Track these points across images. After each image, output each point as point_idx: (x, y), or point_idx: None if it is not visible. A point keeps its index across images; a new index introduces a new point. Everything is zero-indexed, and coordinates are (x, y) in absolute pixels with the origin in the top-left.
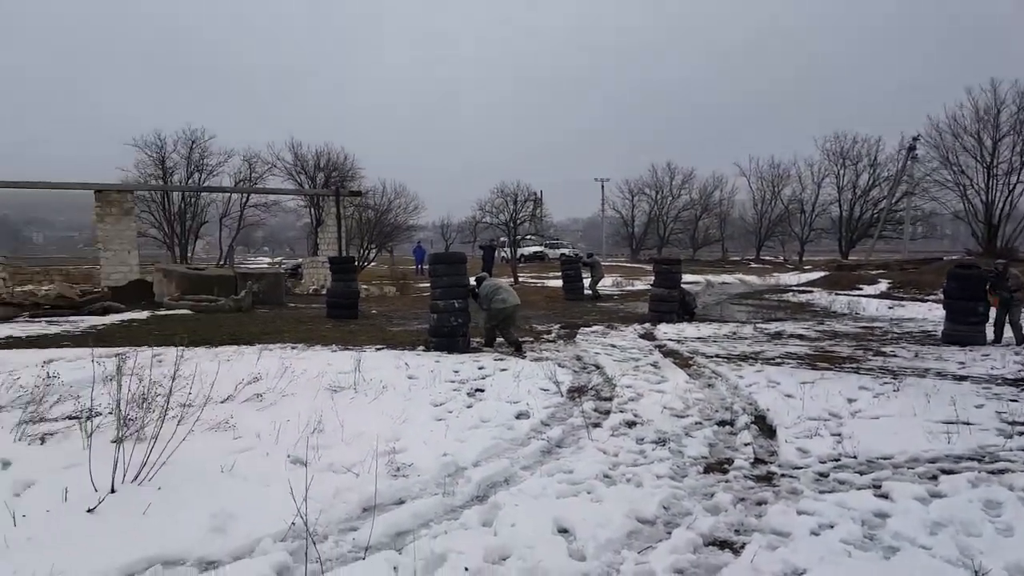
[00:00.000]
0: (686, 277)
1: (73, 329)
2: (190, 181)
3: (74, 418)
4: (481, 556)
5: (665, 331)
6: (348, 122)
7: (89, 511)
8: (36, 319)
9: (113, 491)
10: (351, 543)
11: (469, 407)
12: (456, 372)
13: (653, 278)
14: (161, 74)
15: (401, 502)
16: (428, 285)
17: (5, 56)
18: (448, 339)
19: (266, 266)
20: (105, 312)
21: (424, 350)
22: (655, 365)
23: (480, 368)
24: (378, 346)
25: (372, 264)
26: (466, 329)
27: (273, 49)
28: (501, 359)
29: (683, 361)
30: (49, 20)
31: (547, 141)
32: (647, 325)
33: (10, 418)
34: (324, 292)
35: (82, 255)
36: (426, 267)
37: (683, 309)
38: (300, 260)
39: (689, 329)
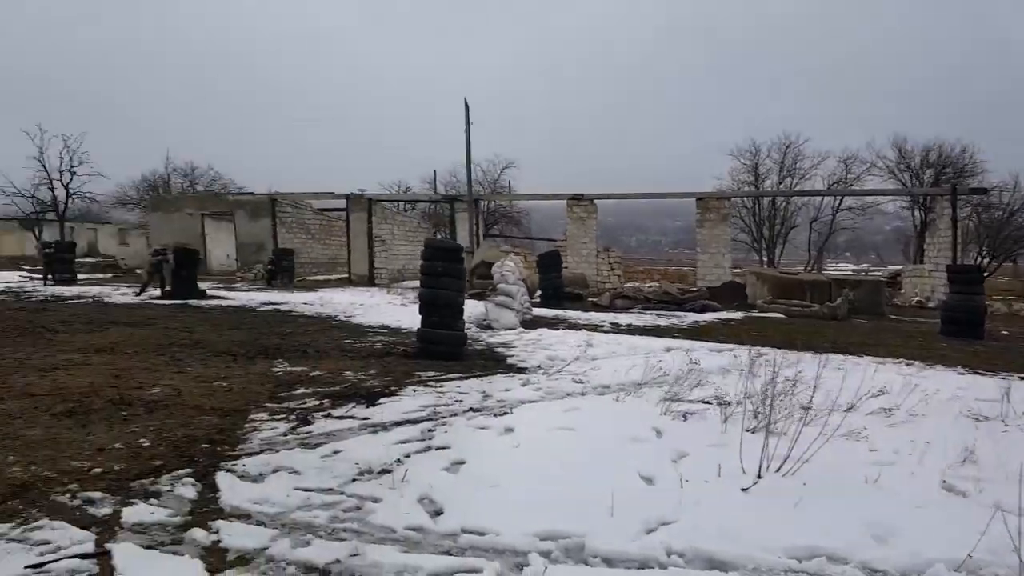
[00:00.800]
0: None
1: (679, 322)
2: (781, 186)
3: (706, 402)
4: None
5: None
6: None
7: (743, 490)
8: (647, 311)
9: (760, 477)
10: None
11: None
12: None
13: None
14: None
15: None
16: None
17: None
18: None
19: (850, 272)
20: (703, 310)
21: None
22: None
23: None
24: (1022, 375)
25: (989, 275)
26: None
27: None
28: None
29: None
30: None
31: None
32: None
33: (652, 394)
34: (933, 305)
35: (668, 257)
36: None
37: None
38: (900, 268)
39: None
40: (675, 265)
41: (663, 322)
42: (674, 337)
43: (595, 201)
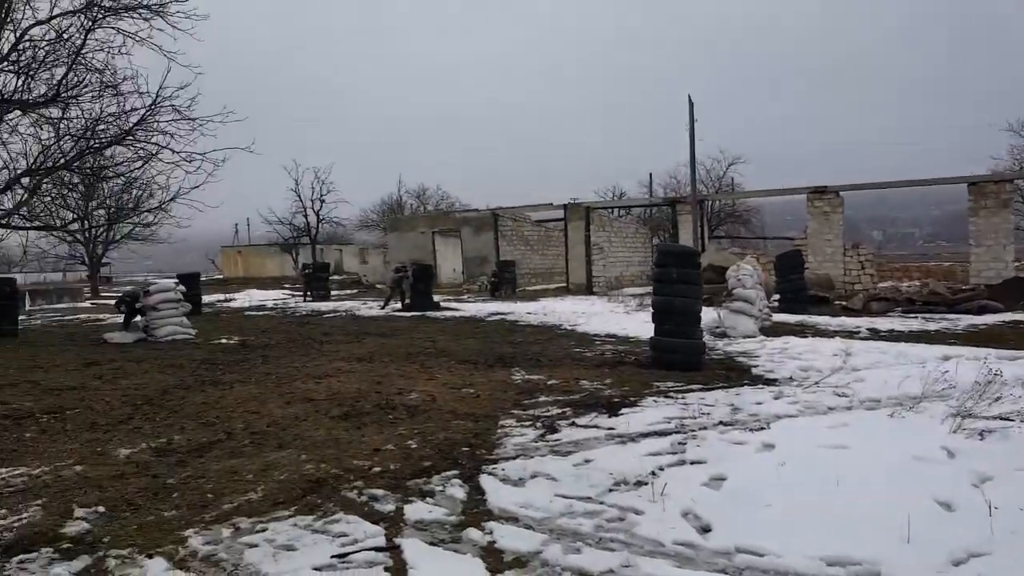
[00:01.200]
0: None
1: (952, 327)
2: None
3: (1006, 419)
4: None
5: None
6: None
7: None
8: (909, 315)
9: None
10: None
11: None
12: None
13: None
14: None
15: None
16: None
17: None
18: None
19: None
20: (981, 311)
21: None
22: None
23: None
24: None
25: None
26: None
27: None
28: None
29: None
30: None
31: None
32: None
33: (934, 409)
34: None
35: (922, 251)
36: None
37: None
38: None
39: None
40: (934, 260)
41: (932, 327)
42: (950, 344)
43: (840, 193)
